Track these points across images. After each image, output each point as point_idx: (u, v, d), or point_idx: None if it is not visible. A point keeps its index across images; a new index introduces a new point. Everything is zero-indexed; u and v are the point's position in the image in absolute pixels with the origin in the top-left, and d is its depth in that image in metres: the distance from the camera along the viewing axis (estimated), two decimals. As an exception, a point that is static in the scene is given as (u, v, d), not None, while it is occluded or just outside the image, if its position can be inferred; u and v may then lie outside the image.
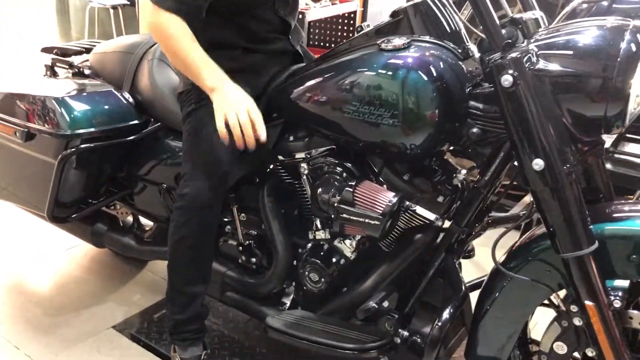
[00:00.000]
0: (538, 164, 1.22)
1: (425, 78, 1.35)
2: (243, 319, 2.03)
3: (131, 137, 1.81)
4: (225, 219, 1.82)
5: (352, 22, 4.31)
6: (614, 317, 1.27)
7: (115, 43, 2.01)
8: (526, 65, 1.20)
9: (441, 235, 1.51)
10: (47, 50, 2.19)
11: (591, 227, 1.27)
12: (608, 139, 1.94)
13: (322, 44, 4.46)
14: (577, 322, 1.32)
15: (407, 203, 1.46)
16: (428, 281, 1.53)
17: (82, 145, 1.74)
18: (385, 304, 1.44)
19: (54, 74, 2.13)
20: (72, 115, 1.73)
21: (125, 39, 1.99)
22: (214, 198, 1.57)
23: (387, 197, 1.38)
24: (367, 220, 1.38)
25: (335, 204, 1.42)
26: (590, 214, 1.31)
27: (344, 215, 1.41)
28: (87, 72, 2.06)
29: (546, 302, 1.41)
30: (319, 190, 1.49)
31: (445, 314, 1.37)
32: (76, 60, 2.12)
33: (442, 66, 1.38)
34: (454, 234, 1.48)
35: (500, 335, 1.46)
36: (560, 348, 1.37)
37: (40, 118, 1.76)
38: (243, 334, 2.00)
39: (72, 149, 1.73)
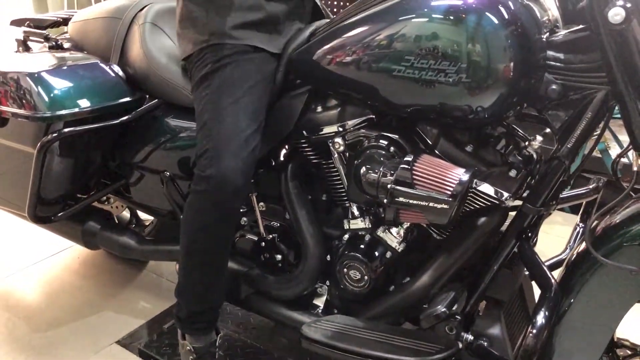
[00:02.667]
0: (658, 120, 0.95)
1: (496, 21, 1.07)
2: (267, 324, 1.76)
3: (123, 118, 1.51)
4: (242, 210, 1.54)
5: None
6: None
7: (99, 8, 1.70)
8: (641, -6, 0.93)
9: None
10: (17, 22, 1.87)
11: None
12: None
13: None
14: (700, 318, 1.06)
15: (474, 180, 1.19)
16: (494, 273, 1.26)
17: (65, 130, 1.44)
18: (456, 307, 1.17)
19: (27, 49, 1.81)
20: (51, 94, 1.42)
21: (110, 3, 1.68)
22: (245, 179, 1.29)
23: (457, 175, 1.10)
24: (432, 204, 1.09)
25: (389, 186, 1.13)
26: None
27: (401, 199, 1.12)
28: (66, 45, 1.76)
29: None
30: (362, 169, 1.20)
31: (541, 318, 1.10)
32: (53, 32, 1.81)
33: (514, 6, 1.09)
34: (527, 216, 1.21)
35: (586, 340, 1.20)
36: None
37: (13, 99, 1.46)
38: (268, 342, 1.74)
39: (54, 134, 1.43)
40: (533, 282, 1.31)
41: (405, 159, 1.13)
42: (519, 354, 1.11)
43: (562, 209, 2.39)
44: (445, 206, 1.08)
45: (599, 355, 1.20)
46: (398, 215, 1.17)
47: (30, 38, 1.82)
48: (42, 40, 1.79)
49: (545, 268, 1.19)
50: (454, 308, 1.17)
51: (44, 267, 2.15)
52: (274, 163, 1.46)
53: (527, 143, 1.21)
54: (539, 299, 1.16)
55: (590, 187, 1.53)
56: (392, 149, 1.21)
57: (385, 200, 1.14)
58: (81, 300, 1.94)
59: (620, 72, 0.97)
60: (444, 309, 1.15)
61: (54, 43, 1.75)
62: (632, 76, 0.96)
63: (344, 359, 1.24)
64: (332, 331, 1.27)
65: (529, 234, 1.26)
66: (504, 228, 1.28)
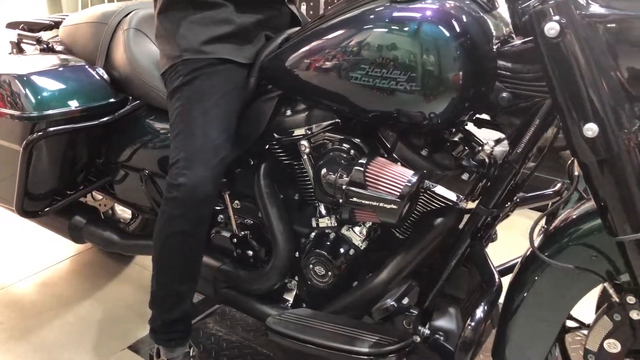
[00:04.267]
0: (591, 129, 1.01)
1: (447, 33, 1.14)
2: (254, 321, 1.80)
3: (107, 118, 1.59)
4: (217, 207, 1.61)
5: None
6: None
7: (87, 13, 1.79)
8: (575, 10, 0.98)
9: (464, 218, 1.32)
10: (12, 25, 1.96)
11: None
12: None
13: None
14: (635, 315, 1.12)
15: (427, 183, 1.25)
16: (451, 271, 1.33)
17: (51, 129, 1.52)
18: (405, 300, 1.24)
19: (20, 51, 1.90)
20: (38, 95, 1.51)
21: (98, 9, 1.76)
22: (214, 188, 1.37)
23: (406, 177, 1.17)
24: (382, 205, 1.16)
25: (344, 187, 1.20)
26: None
27: (355, 200, 1.19)
28: (57, 47, 1.84)
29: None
30: (323, 171, 1.27)
31: (480, 312, 1.17)
32: (45, 35, 1.90)
33: (465, 19, 1.16)
34: (480, 217, 1.28)
35: (536, 333, 1.27)
36: (613, 346, 1.17)
37: (2, 99, 1.54)
38: (278, 349, 1.73)
39: (39, 133, 1.51)
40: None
41: (360, 161, 1.20)
42: (458, 345, 1.17)
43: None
44: (394, 206, 1.15)
45: (548, 347, 1.26)
46: (353, 215, 1.24)
47: (24, 41, 1.91)
48: (35, 43, 1.87)
49: (491, 266, 1.25)
50: (403, 301, 1.23)
51: (55, 273, 2.17)
52: (250, 163, 1.54)
53: (480, 148, 1.28)
54: (480, 294, 1.23)
55: (554, 189, 1.59)
56: (352, 152, 1.28)
57: (340, 200, 1.21)
58: (93, 306, 1.96)
59: (557, 83, 1.03)
60: (392, 302, 1.21)
61: (45, 46, 1.83)
62: (568, 88, 1.02)
63: (305, 350, 1.32)
64: (295, 323, 1.34)
65: (483, 234, 1.32)
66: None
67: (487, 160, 1.27)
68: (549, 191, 1.56)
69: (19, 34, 1.91)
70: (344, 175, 1.22)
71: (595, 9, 1.01)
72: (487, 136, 1.36)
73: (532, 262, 1.25)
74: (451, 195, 1.26)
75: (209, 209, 1.39)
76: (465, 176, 1.25)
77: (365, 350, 1.24)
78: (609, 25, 1.01)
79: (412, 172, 1.18)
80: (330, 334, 1.30)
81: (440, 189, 1.25)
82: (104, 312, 1.93)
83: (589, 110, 1.01)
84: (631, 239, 1.05)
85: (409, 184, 1.15)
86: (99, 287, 2.05)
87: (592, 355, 1.21)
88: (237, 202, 1.58)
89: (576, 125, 1.02)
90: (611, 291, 1.14)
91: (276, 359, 1.70)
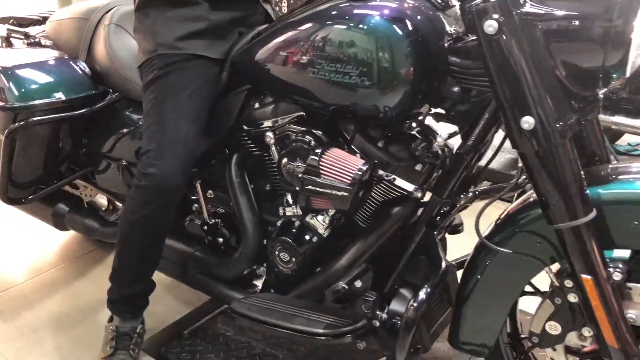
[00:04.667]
0: (528, 122, 1.07)
1: (399, 31, 1.20)
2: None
3: (84, 110, 1.66)
4: (193, 197, 1.68)
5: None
6: (615, 292, 1.14)
7: (72, 9, 1.86)
8: (513, 9, 1.05)
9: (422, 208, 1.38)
10: (2, 20, 2.04)
11: (587, 193, 1.13)
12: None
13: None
14: (573, 298, 1.18)
15: (382, 173, 1.32)
16: (409, 259, 1.39)
17: (30, 119, 1.59)
18: (358, 283, 1.31)
19: (9, 45, 1.98)
20: (19, 87, 1.58)
21: (82, 5, 1.83)
22: (183, 179, 1.44)
23: (356, 165, 1.23)
24: (334, 192, 1.23)
25: (300, 175, 1.27)
26: (586, 178, 1.18)
27: (309, 187, 1.26)
28: (44, 42, 1.91)
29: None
30: (284, 160, 1.34)
31: (422, 294, 1.24)
32: (34, 30, 1.97)
33: (417, 17, 1.23)
34: (435, 207, 1.34)
35: (486, 318, 1.33)
36: (554, 328, 1.23)
37: (-12, 90, 1.62)
38: (287, 350, 1.71)
39: (20, 123, 1.58)
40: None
41: (315, 151, 1.27)
42: (401, 325, 1.23)
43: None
44: (345, 193, 1.22)
45: (498, 329, 1.32)
46: (310, 202, 1.31)
47: (12, 35, 1.98)
48: (23, 37, 1.95)
49: (439, 252, 1.32)
50: (356, 284, 1.29)
51: (65, 271, 2.16)
52: (222, 154, 1.60)
53: (434, 140, 1.35)
54: (425, 277, 1.29)
55: (514, 180, 1.65)
56: (312, 143, 1.35)
57: (297, 188, 1.27)
58: (102, 305, 1.84)
59: (497, 78, 1.09)
60: (343, 285, 1.28)
61: (32, 40, 1.91)
62: (506, 82, 1.08)
63: (265, 331, 1.38)
64: (258, 306, 1.41)
65: (438, 223, 1.38)
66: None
67: (440, 152, 1.33)
68: (512, 182, 1.62)
69: (8, 29, 1.99)
70: (301, 164, 1.29)
71: (532, 8, 1.07)
72: (447, 130, 1.42)
73: (482, 250, 1.31)
74: (407, 185, 1.32)
75: (176, 198, 1.45)
76: (418, 167, 1.31)
77: (321, 331, 1.30)
78: (545, 23, 1.07)
79: (362, 161, 1.25)
80: (289, 316, 1.36)
81: (396, 179, 1.32)
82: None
83: (525, 104, 1.07)
84: (567, 226, 1.11)
85: (359, 172, 1.22)
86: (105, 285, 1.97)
87: (535, 337, 1.27)
88: (210, 191, 1.65)
89: (514, 118, 1.08)
90: (551, 276, 1.20)
91: (284, 360, 1.72)
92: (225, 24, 1.49)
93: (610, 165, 1.26)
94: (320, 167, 1.25)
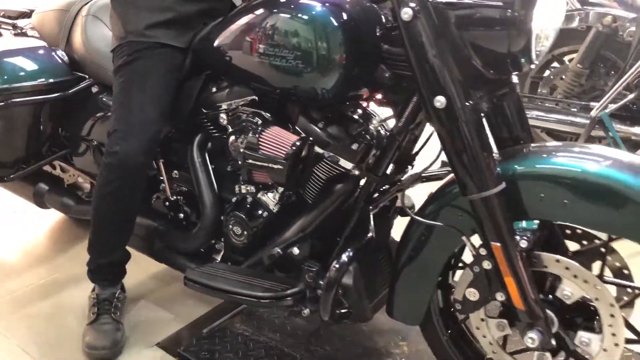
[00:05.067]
0: (440, 101, 1.19)
1: (334, 21, 1.33)
2: (304, 333, 1.78)
3: (57, 95, 1.80)
4: (161, 177, 1.80)
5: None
6: (522, 259, 1.24)
7: (55, 2, 1.99)
8: (425, -3, 1.16)
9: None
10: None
11: (499, 167, 1.24)
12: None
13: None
14: (487, 265, 1.28)
15: (322, 152, 1.43)
16: (353, 233, 1.50)
17: (10, 101, 1.73)
18: (296, 251, 1.42)
19: (-1, 36, 2.12)
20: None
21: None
22: (145, 157, 1.57)
23: (290, 141, 1.35)
24: (270, 165, 1.36)
25: (242, 150, 1.39)
26: (506, 156, 1.29)
27: (250, 161, 1.39)
28: (30, 32, 2.05)
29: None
30: (232, 137, 1.46)
31: (344, 257, 1.36)
32: (22, 22, 2.11)
33: (353, 9, 1.35)
34: (371, 184, 1.45)
35: (417, 288, 1.44)
36: (473, 294, 1.33)
37: (-30, 74, 1.75)
38: (305, 351, 1.72)
39: (0, 104, 1.72)
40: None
41: (257, 128, 1.39)
42: (323, 286, 1.34)
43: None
44: (280, 167, 1.34)
45: (428, 297, 1.43)
46: (252, 175, 1.43)
47: (2, 26, 2.12)
48: (11, 28, 2.09)
49: (369, 224, 1.42)
50: (293, 251, 1.41)
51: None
52: (185, 136, 1.72)
53: (370, 122, 1.46)
54: (345, 243, 1.40)
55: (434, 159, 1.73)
56: (258, 122, 1.47)
57: (239, 162, 1.40)
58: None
59: (414, 60, 1.20)
60: (278, 250, 1.40)
61: (19, 31, 2.05)
62: (421, 64, 1.19)
63: (217, 296, 1.50)
64: (209, 274, 1.53)
65: (376, 199, 1.49)
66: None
67: (375, 133, 1.44)
68: (433, 161, 1.71)
69: (-1, 20, 2.13)
70: (244, 141, 1.41)
71: (445, -4, 1.18)
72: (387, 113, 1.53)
73: (412, 224, 1.42)
74: (344, 163, 1.43)
75: (141, 174, 1.58)
76: (354, 146, 1.42)
77: (262, 294, 1.42)
78: (456, 11, 1.19)
79: (296, 138, 1.37)
80: (236, 283, 1.48)
81: (334, 158, 1.43)
82: (131, 308, 1.91)
83: (438, 85, 1.18)
84: (477, 197, 1.22)
85: (293, 148, 1.34)
86: (130, 284, 1.95)
87: (458, 304, 1.37)
88: (175, 172, 1.77)
89: (428, 98, 1.20)
90: (469, 245, 1.31)
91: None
92: (192, 15, 1.61)
93: (530, 145, 1.37)
94: (259, 142, 1.38)
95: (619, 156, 1.23)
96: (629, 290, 1.33)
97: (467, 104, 1.18)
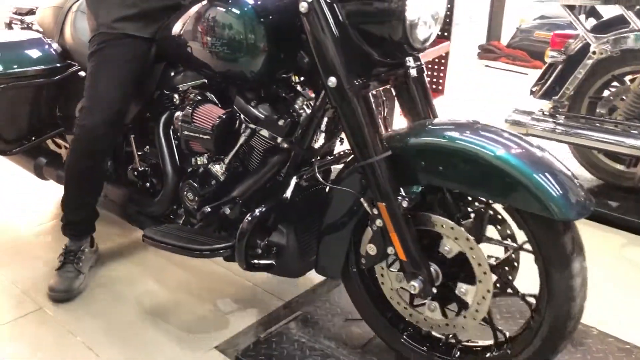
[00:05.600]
0: (331, 80, 1.41)
1: (258, 15, 1.56)
2: (359, 341, 1.80)
3: (53, 78, 2.09)
4: (133, 152, 2.07)
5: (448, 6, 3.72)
6: (405, 217, 1.44)
7: (55, 0, 2.29)
8: (319, -7, 1.38)
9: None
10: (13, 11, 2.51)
11: (395, 138, 1.45)
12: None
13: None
14: (379, 223, 1.49)
15: (254, 126, 1.66)
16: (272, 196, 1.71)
17: (10, 84, 2.03)
18: (227, 211, 1.67)
19: (10, 29, 2.43)
20: (-1, 58, 2.03)
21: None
22: (108, 130, 1.84)
23: (217, 114, 1.60)
24: (200, 135, 1.61)
25: (179, 123, 1.65)
26: (406, 129, 1.50)
27: (185, 132, 1.65)
28: (35, 27, 2.35)
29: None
30: (177, 113, 1.72)
31: (257, 211, 1.59)
32: (29, 18, 2.42)
33: (275, 4, 1.57)
34: (297, 156, 1.67)
35: (334, 246, 1.65)
36: (372, 249, 1.54)
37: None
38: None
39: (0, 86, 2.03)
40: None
41: (193, 105, 1.64)
42: (237, 236, 1.58)
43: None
44: (208, 137, 1.58)
45: (344, 252, 1.63)
46: (189, 145, 1.68)
47: (13, 22, 2.44)
48: (19, 23, 2.40)
49: (287, 190, 1.64)
50: (225, 211, 1.66)
51: (146, 270, 2.18)
52: (156, 114, 1.98)
53: (295, 101, 1.68)
54: (260, 204, 1.63)
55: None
56: (196, 100, 1.72)
57: (178, 134, 1.65)
58: (179, 303, 2.01)
59: (312, 46, 1.43)
60: (208, 208, 1.65)
61: (26, 25, 2.36)
62: (317, 49, 1.41)
63: (166, 250, 1.76)
64: (162, 232, 1.79)
65: (305, 170, 1.71)
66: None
67: (300, 110, 1.66)
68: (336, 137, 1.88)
69: (9, 17, 2.45)
70: (181, 116, 1.66)
71: (335, -7, 1.40)
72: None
73: (329, 192, 1.64)
74: (272, 137, 1.66)
75: (104, 145, 1.86)
76: (281, 122, 1.65)
77: (199, 247, 1.67)
78: (345, 4, 1.40)
79: (222, 112, 1.61)
80: (181, 239, 1.74)
81: (264, 132, 1.66)
82: (191, 312, 1.96)
83: (331, 67, 1.41)
84: (366, 163, 1.43)
85: (217, 120, 1.58)
86: (187, 285, 2.07)
87: (363, 258, 1.59)
88: (147, 147, 2.03)
89: (324, 78, 1.42)
90: (365, 205, 1.51)
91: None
92: (156, 10, 1.87)
93: (431, 121, 1.57)
94: (193, 116, 1.63)
95: (494, 132, 1.41)
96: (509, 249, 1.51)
97: (355, 82, 1.40)
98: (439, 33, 3.79)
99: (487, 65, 5.89)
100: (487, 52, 6.24)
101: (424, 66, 1.59)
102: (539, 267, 1.39)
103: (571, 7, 2.74)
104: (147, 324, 1.90)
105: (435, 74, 3.84)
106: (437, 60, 3.77)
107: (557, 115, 2.80)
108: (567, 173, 1.33)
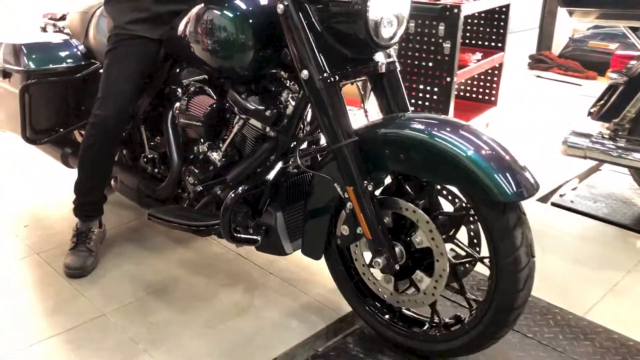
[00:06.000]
0: (304, 73, 1.57)
1: (245, 17, 1.73)
2: (417, 357, 1.77)
3: (76, 75, 2.32)
4: (144, 142, 2.27)
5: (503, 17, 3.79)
6: (371, 199, 1.58)
7: (82, 7, 2.53)
8: (292, -4, 1.55)
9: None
10: (44, 15, 2.77)
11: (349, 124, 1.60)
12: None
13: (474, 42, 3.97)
14: (350, 206, 1.63)
15: (245, 116, 1.84)
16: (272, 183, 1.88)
17: (40, 79, 2.27)
18: (218, 191, 1.86)
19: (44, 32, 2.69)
20: (30, 57, 2.27)
21: (89, 3, 2.50)
22: (119, 120, 2.06)
23: (206, 104, 1.78)
24: (193, 123, 1.80)
25: (176, 112, 1.84)
26: (379, 121, 1.64)
27: (181, 120, 1.84)
28: (65, 30, 2.61)
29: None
30: (176, 104, 1.91)
31: (240, 190, 1.73)
32: (61, 23, 2.68)
33: (258, 8, 1.75)
34: (284, 144, 1.83)
35: (314, 227, 1.79)
36: (345, 230, 1.69)
37: (12, 59, 2.32)
38: None
39: (32, 81, 2.27)
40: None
41: (189, 97, 1.83)
42: (222, 212, 1.74)
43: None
44: (199, 124, 1.77)
45: (323, 237, 1.77)
46: (185, 132, 1.86)
47: (47, 26, 2.70)
48: (53, 27, 2.66)
49: (271, 173, 1.79)
50: (217, 191, 1.84)
51: (201, 282, 2.20)
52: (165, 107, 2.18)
53: (282, 93, 1.84)
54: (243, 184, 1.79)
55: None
56: (192, 92, 1.91)
57: (176, 122, 1.84)
58: (237, 317, 2.00)
59: (289, 43, 1.59)
60: (200, 187, 1.84)
61: (57, 29, 2.62)
62: (293, 46, 1.58)
63: (165, 226, 1.95)
64: (164, 211, 1.98)
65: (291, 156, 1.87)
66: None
67: (285, 102, 1.83)
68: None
69: (44, 22, 2.72)
70: (179, 106, 1.85)
71: (307, -4, 1.56)
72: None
73: (313, 178, 1.79)
74: (260, 126, 1.83)
75: (115, 133, 2.07)
76: (268, 113, 1.81)
77: (193, 223, 1.87)
78: (316, 5, 1.56)
79: (213, 102, 1.79)
80: (180, 217, 1.93)
81: (253, 121, 1.83)
82: (249, 322, 1.97)
83: (303, 61, 1.57)
84: (334, 147, 1.59)
85: (207, 109, 1.77)
86: (245, 296, 2.10)
87: (338, 238, 1.73)
88: (158, 137, 2.24)
89: (298, 71, 1.58)
90: (338, 189, 1.66)
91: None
92: (165, 14, 2.07)
93: (404, 114, 1.70)
94: (188, 106, 1.83)
95: (450, 125, 1.55)
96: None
97: (325, 75, 1.55)
98: (492, 44, 3.85)
99: (538, 76, 5.71)
100: (539, 62, 5.95)
101: (396, 62, 1.73)
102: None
103: (634, 29, 2.66)
104: (208, 335, 1.91)
105: (488, 85, 3.89)
106: (489, 71, 3.82)
107: (618, 138, 2.70)
108: (513, 159, 1.46)
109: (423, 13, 3.11)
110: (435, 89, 3.16)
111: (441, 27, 3.06)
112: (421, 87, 3.22)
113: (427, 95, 3.22)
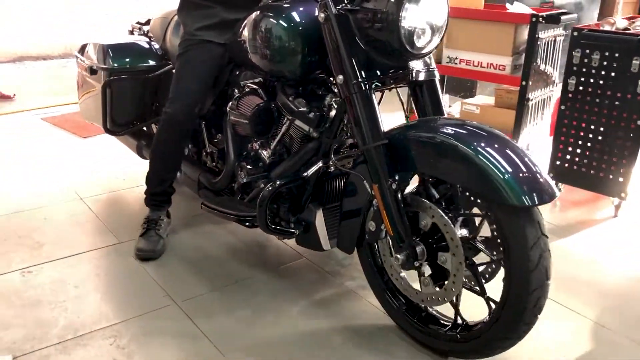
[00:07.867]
0: (340, 78, 1.69)
1: (295, 27, 1.87)
2: None
3: (152, 74, 2.57)
4: (205, 139, 2.48)
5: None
6: (395, 197, 1.67)
7: (163, 12, 2.79)
8: (335, 6, 1.67)
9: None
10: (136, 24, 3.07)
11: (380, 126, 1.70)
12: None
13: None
14: (375, 203, 1.73)
15: (291, 117, 1.98)
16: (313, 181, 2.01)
17: (121, 76, 2.54)
18: (262, 185, 2.00)
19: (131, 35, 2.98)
20: (113, 56, 2.54)
21: (169, 8, 2.76)
22: (187, 117, 2.25)
23: (254, 104, 1.94)
24: (241, 120, 1.96)
25: (228, 110, 2.01)
26: (412, 124, 1.73)
27: (232, 118, 2.01)
28: (149, 34, 2.88)
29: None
30: (230, 103, 2.09)
31: (273, 185, 1.88)
32: (146, 27, 2.96)
33: (306, 17, 1.88)
34: (327, 144, 1.96)
35: (349, 223, 1.91)
36: (372, 226, 1.79)
37: (98, 58, 2.61)
38: None
39: (108, 79, 2.54)
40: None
41: (240, 97, 1.99)
42: (258, 202, 1.88)
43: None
44: (246, 121, 1.93)
45: (356, 232, 1.88)
46: (235, 129, 2.03)
47: (134, 30, 2.99)
48: (138, 30, 2.94)
49: (313, 173, 1.92)
50: (257, 183, 1.99)
51: (268, 285, 2.21)
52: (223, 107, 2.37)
53: (326, 97, 1.97)
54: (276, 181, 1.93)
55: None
56: (243, 93, 2.08)
57: (228, 119, 2.01)
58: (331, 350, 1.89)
59: (328, 49, 1.72)
60: (244, 179, 2.00)
61: (142, 32, 2.90)
62: (332, 52, 1.70)
63: (215, 214, 2.13)
64: (215, 202, 2.17)
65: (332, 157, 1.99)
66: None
67: (328, 105, 1.95)
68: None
69: (132, 25, 3.01)
70: (230, 105, 2.03)
71: (348, 6, 1.68)
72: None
73: (348, 177, 1.90)
74: (305, 127, 1.97)
75: (184, 129, 2.27)
76: (311, 115, 1.95)
77: (238, 213, 2.03)
78: (354, 16, 1.68)
79: (260, 102, 1.95)
80: (229, 207, 2.10)
81: (298, 122, 1.98)
82: (342, 351, 1.87)
83: (341, 66, 1.69)
84: (363, 148, 1.69)
85: (254, 109, 1.92)
86: (337, 328, 1.99)
87: (367, 235, 1.83)
88: (219, 134, 2.43)
89: (334, 75, 1.71)
90: (367, 187, 1.76)
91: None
92: (231, 21, 2.26)
93: (436, 118, 1.78)
94: (238, 106, 1.99)
95: (475, 129, 1.61)
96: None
97: (357, 81, 1.67)
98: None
99: None
100: None
101: (435, 71, 1.81)
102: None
103: None
104: (288, 340, 1.90)
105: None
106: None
107: None
108: (533, 166, 1.50)
109: (610, 44, 2.60)
110: (620, 133, 2.67)
111: (635, 62, 2.58)
112: (601, 129, 2.72)
113: (608, 139, 2.71)
